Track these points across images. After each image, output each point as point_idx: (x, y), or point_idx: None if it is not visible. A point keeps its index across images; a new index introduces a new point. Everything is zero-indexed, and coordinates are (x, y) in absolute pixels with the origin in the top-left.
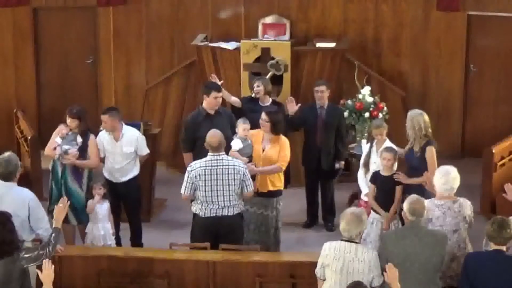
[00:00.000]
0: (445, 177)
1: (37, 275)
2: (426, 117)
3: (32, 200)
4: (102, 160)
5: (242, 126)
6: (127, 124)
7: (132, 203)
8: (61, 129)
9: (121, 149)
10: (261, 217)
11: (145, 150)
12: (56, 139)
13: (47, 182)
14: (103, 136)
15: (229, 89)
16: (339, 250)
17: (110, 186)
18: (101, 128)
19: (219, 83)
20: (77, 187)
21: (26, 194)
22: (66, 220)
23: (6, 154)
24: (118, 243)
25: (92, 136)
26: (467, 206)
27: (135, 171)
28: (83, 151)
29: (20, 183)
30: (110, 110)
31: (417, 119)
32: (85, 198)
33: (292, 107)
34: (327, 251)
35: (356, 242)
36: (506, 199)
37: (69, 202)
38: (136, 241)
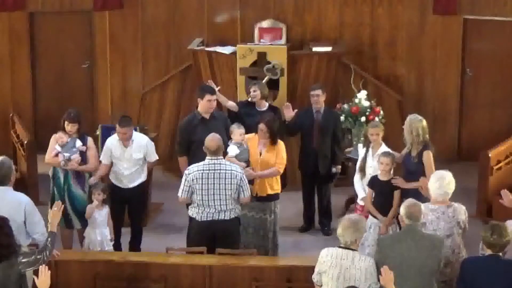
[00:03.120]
0: (440, 182)
1: (33, 281)
2: (425, 123)
3: (28, 204)
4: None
5: (237, 131)
6: None
7: (137, 208)
8: (60, 136)
9: (130, 155)
10: (259, 221)
11: (154, 157)
12: (55, 146)
13: (43, 186)
14: (112, 142)
15: (225, 93)
16: (336, 257)
17: (116, 191)
18: (97, 132)
19: (216, 89)
20: (81, 191)
21: (22, 198)
22: (69, 224)
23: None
24: (119, 248)
25: (90, 139)
26: (461, 211)
27: (142, 177)
28: (82, 154)
29: (16, 188)
30: (127, 121)
31: (416, 125)
32: (87, 201)
33: (289, 113)
34: (324, 257)
35: (353, 249)
36: (502, 203)
37: (63, 206)
38: (135, 245)
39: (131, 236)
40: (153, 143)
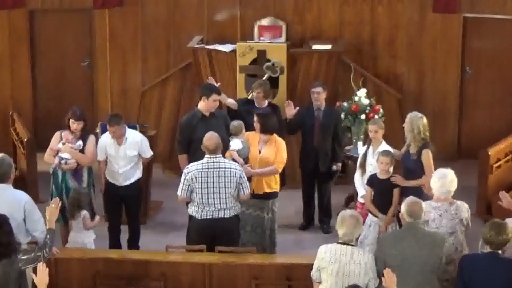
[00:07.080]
0: (442, 180)
1: (33, 279)
2: (425, 121)
3: (28, 202)
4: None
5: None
6: None
7: (134, 206)
8: (66, 135)
9: (125, 153)
10: (257, 219)
11: (149, 153)
12: (59, 145)
13: (43, 184)
14: (106, 140)
15: (225, 91)
16: (335, 253)
17: (111, 189)
18: (96, 130)
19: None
20: (77, 186)
21: (22, 196)
22: (67, 221)
23: None
24: (118, 247)
25: (92, 137)
26: (464, 209)
27: (138, 174)
28: (83, 153)
29: (16, 186)
30: (117, 119)
31: (417, 122)
32: (87, 193)
33: (290, 111)
34: (323, 254)
35: (352, 245)
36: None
37: (60, 203)
38: (134, 243)
39: (129, 234)
40: (146, 139)
